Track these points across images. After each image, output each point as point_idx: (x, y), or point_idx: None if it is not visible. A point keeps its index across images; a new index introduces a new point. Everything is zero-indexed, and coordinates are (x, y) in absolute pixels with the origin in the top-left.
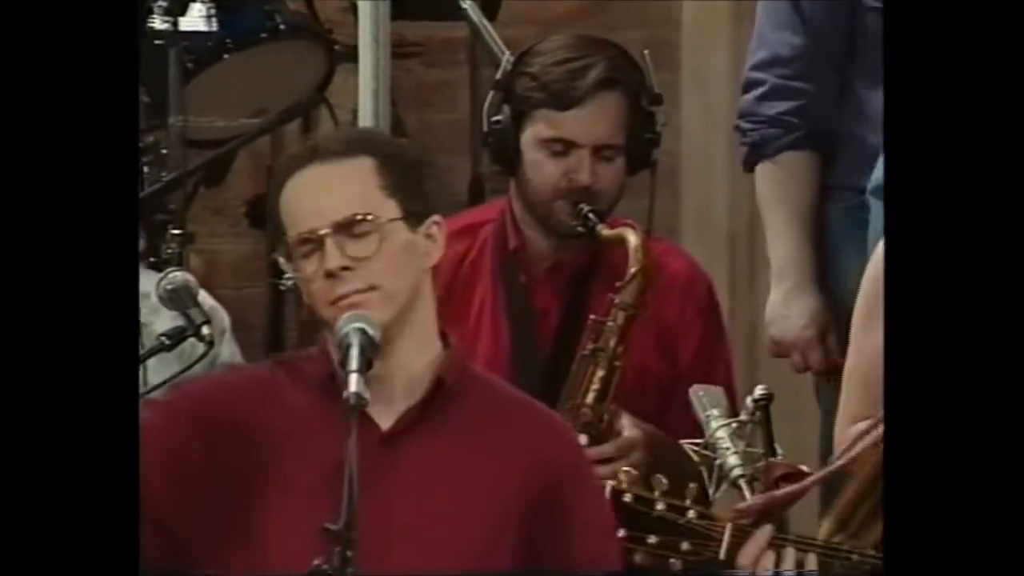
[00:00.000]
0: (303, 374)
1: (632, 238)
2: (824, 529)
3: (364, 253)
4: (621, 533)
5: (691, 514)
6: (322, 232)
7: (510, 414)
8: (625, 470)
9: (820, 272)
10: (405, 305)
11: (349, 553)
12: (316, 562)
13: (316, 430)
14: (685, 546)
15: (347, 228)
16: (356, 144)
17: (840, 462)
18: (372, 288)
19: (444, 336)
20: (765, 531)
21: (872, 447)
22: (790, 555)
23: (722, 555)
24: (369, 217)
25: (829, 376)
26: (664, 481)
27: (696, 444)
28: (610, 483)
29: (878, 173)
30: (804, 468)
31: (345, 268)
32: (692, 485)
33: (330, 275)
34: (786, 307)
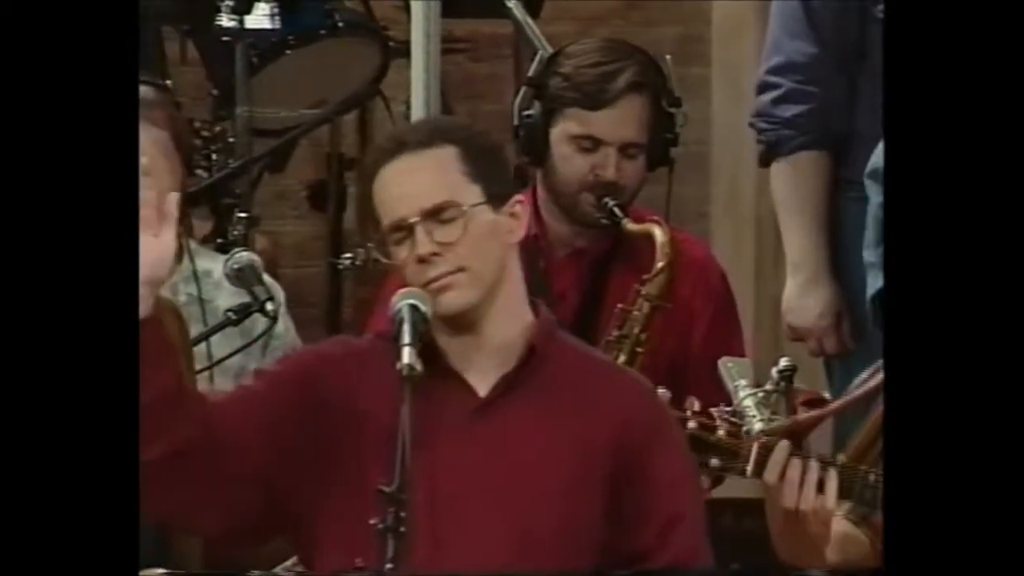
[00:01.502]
0: None
1: (659, 234)
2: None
3: (451, 238)
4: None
5: (721, 432)
6: (412, 220)
7: (598, 377)
8: (661, 391)
9: (833, 263)
10: (493, 283)
11: (402, 514)
12: (372, 521)
13: (415, 398)
14: (714, 462)
15: (435, 215)
16: (439, 134)
17: (859, 392)
18: (460, 270)
19: (535, 306)
20: (783, 445)
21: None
22: (814, 468)
23: (749, 471)
24: (454, 203)
25: (843, 359)
26: (696, 403)
27: (725, 412)
28: None
29: (875, 158)
30: (825, 395)
31: (434, 253)
32: (724, 407)
33: (421, 260)
34: (802, 298)
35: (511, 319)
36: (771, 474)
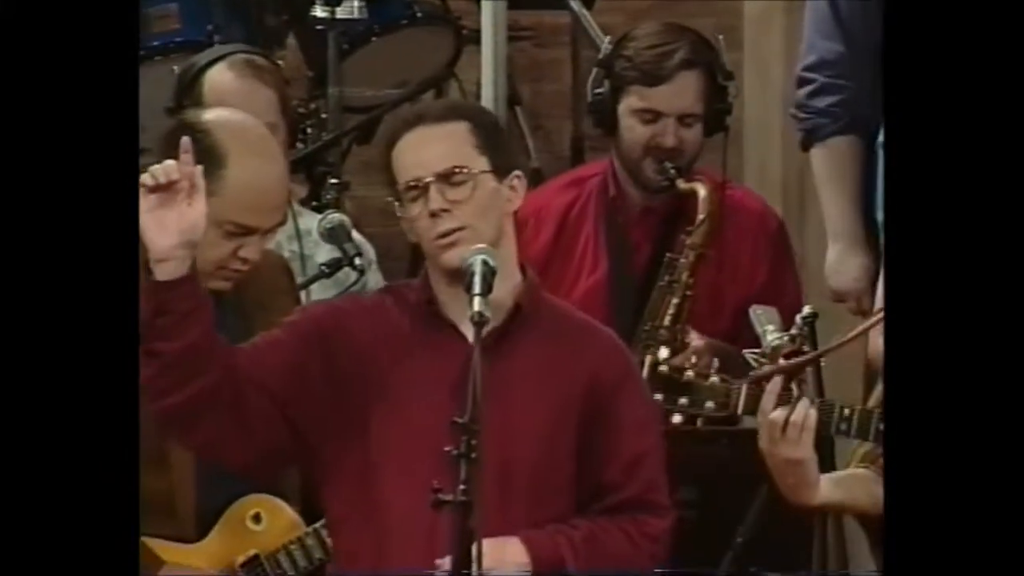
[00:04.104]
0: (406, 300)
1: (701, 190)
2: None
3: (459, 198)
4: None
5: (714, 379)
6: (427, 180)
7: (575, 333)
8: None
9: (868, 231)
10: (490, 243)
11: (474, 441)
12: (447, 448)
13: (414, 346)
14: (709, 405)
15: (447, 177)
16: (454, 111)
17: (834, 344)
18: (465, 227)
19: (523, 269)
20: (776, 381)
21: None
22: (803, 403)
23: (740, 410)
24: (464, 169)
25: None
26: (693, 357)
27: (755, 353)
28: (649, 358)
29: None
30: (805, 348)
31: (444, 210)
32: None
33: (433, 215)
34: (840, 264)
35: (503, 278)
36: (768, 402)
